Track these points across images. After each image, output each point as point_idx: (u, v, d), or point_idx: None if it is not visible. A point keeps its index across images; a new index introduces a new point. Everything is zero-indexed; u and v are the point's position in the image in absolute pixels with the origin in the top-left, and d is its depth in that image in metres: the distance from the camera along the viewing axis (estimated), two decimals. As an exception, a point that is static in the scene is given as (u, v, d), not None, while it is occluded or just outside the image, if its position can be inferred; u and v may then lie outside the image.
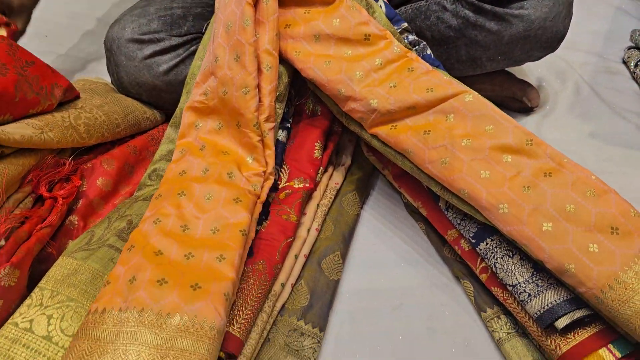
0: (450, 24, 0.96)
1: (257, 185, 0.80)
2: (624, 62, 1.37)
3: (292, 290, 0.79)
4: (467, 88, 0.80)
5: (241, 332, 0.67)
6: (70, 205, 0.81)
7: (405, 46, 0.88)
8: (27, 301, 0.66)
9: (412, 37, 0.90)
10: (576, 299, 0.66)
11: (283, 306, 0.77)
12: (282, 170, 0.89)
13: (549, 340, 0.67)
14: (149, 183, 0.89)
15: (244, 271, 0.73)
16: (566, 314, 0.65)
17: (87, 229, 0.81)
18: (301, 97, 0.96)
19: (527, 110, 1.18)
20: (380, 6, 0.90)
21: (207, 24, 0.98)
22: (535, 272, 0.70)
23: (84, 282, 0.70)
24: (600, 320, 0.66)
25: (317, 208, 0.89)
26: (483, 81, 1.12)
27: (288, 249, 0.80)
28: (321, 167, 0.92)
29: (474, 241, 0.77)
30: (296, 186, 0.87)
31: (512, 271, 0.71)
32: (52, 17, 1.35)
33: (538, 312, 0.67)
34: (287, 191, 0.86)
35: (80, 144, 0.85)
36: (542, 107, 1.21)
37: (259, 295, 0.71)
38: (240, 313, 0.68)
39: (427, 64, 0.84)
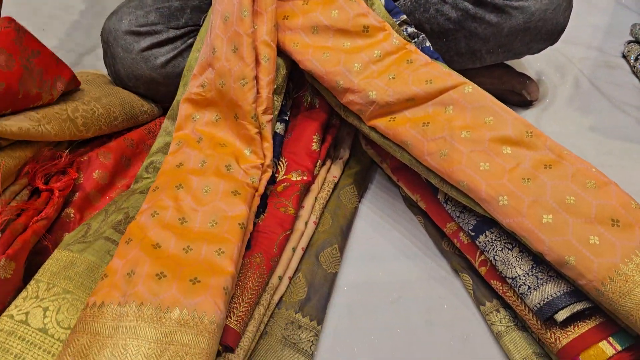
0: (449, 16, 0.95)
1: (255, 177, 0.80)
2: (624, 56, 1.36)
3: (290, 283, 0.79)
4: (467, 80, 0.79)
5: (238, 324, 0.66)
6: (67, 197, 0.81)
7: (404, 38, 0.87)
8: (23, 294, 0.66)
9: (411, 30, 0.89)
10: (576, 292, 0.66)
11: (281, 299, 0.77)
12: (280, 163, 0.89)
13: (549, 333, 0.67)
14: (145, 176, 0.88)
15: (241, 264, 0.72)
16: (566, 306, 0.65)
17: (84, 221, 0.80)
18: (299, 89, 0.96)
19: (526, 104, 1.18)
20: (379, -2, 0.90)
21: (205, 17, 0.97)
22: (535, 265, 0.70)
23: (80, 275, 0.69)
24: (601, 313, 0.66)
25: (315, 201, 0.89)
26: (482, 74, 1.12)
27: (286, 241, 0.79)
28: (319, 160, 0.91)
29: (473, 234, 0.77)
30: (294, 179, 0.86)
31: (511, 264, 0.71)
32: (49, 10, 1.35)
33: (538, 305, 0.67)
34: (284, 184, 0.86)
35: (77, 137, 0.85)
36: (542, 101, 1.21)
37: (257, 288, 0.71)
38: (238, 306, 0.68)
39: (426, 56, 0.84)
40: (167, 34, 0.95)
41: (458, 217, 0.79)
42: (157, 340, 0.59)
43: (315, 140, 0.91)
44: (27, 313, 0.64)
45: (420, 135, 0.77)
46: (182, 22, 0.98)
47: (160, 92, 0.99)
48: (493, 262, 0.73)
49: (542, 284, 0.67)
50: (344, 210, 0.90)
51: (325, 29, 0.85)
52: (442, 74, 0.80)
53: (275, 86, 0.85)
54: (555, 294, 0.66)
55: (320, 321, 0.76)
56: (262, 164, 0.82)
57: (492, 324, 0.76)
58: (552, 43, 0.98)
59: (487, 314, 0.77)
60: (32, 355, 0.61)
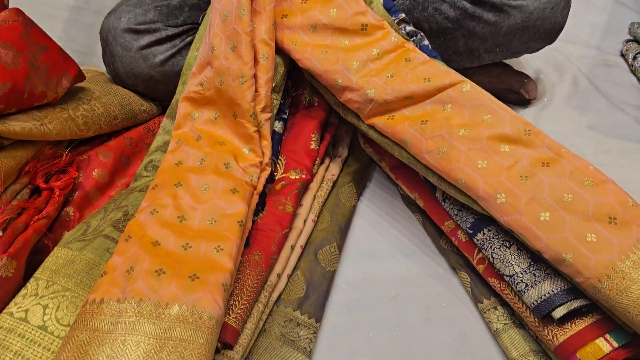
0: (448, 15, 0.95)
1: (253, 176, 0.80)
2: (622, 55, 1.37)
3: (288, 280, 0.79)
4: (465, 78, 0.79)
5: (237, 322, 0.67)
6: (67, 196, 0.81)
7: (403, 37, 0.88)
8: (23, 291, 0.66)
9: (409, 28, 0.89)
10: (573, 289, 0.66)
11: (279, 297, 0.77)
12: (279, 161, 0.89)
13: (546, 331, 0.67)
14: (145, 174, 0.88)
15: (240, 261, 0.72)
16: (563, 303, 0.65)
17: (83, 220, 0.80)
18: (298, 88, 0.96)
19: (524, 103, 1.18)
20: (378, -3, 0.90)
21: (204, 15, 0.97)
22: (532, 263, 0.70)
23: (79, 272, 0.69)
24: (598, 310, 0.66)
25: (314, 199, 0.89)
26: (481, 73, 1.12)
27: (284, 239, 0.80)
28: (318, 159, 0.92)
29: (471, 232, 0.77)
30: (292, 177, 0.87)
31: (509, 261, 0.71)
32: (48, 10, 1.35)
33: (535, 302, 0.67)
34: (283, 182, 0.86)
35: (78, 136, 0.85)
36: (540, 100, 1.21)
37: (255, 285, 0.71)
38: (237, 303, 0.68)
39: (425, 55, 0.84)
40: (165, 32, 0.96)
41: (456, 215, 0.79)
42: (156, 336, 0.59)
43: (313, 139, 0.91)
44: (26, 310, 0.64)
45: (418, 134, 0.77)
46: (181, 20, 0.98)
47: (159, 90, 0.99)
48: (491, 259, 0.74)
49: (540, 282, 0.68)
50: (342, 209, 0.91)
51: (323, 27, 0.85)
52: (441, 72, 0.80)
53: (273, 84, 0.85)
54: (553, 291, 0.66)
55: (319, 319, 0.76)
56: (261, 162, 0.82)
57: (489, 322, 0.76)
58: (550, 42, 0.99)
59: (485, 312, 0.77)
60: (31, 353, 0.61)
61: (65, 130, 0.81)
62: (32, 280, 0.67)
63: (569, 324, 0.66)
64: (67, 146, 0.86)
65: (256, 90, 0.82)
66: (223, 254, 0.68)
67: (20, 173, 0.78)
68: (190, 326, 0.60)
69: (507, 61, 1.19)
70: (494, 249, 0.73)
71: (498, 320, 0.75)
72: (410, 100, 0.79)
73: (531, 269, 0.69)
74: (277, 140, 0.89)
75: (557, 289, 0.66)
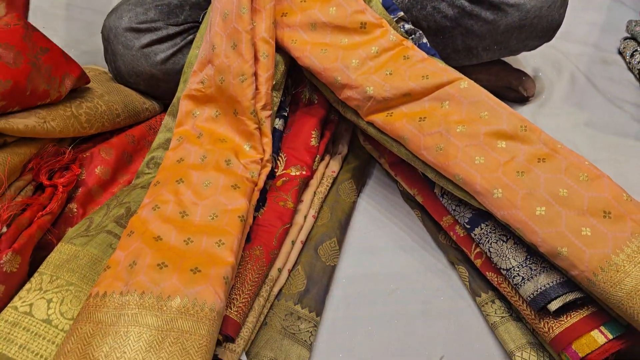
0: (446, 13, 0.96)
1: (254, 172, 0.81)
2: (620, 53, 1.37)
3: (289, 275, 0.80)
4: (462, 75, 0.80)
5: (239, 315, 0.68)
6: (70, 193, 0.82)
7: (402, 35, 0.88)
8: (27, 286, 0.67)
9: (408, 26, 0.90)
10: (569, 282, 0.67)
11: (280, 291, 0.78)
12: (279, 158, 0.90)
13: (542, 323, 0.68)
14: (146, 171, 0.89)
15: (241, 256, 0.73)
16: (559, 296, 0.66)
17: (86, 216, 0.81)
18: (298, 85, 0.97)
19: (523, 100, 1.19)
20: (377, -5, 0.91)
21: (204, 13, 0.98)
22: (528, 256, 0.71)
23: (82, 267, 0.70)
24: (593, 303, 0.67)
25: (314, 195, 0.90)
26: (479, 71, 1.13)
27: (285, 235, 0.81)
28: (318, 155, 0.92)
29: (468, 227, 0.78)
30: (293, 174, 0.88)
31: (506, 255, 0.72)
32: (49, 8, 1.35)
33: (531, 295, 0.68)
34: (284, 178, 0.87)
35: (81, 134, 0.86)
36: (538, 97, 1.22)
37: (257, 279, 0.72)
38: (238, 297, 0.69)
39: (423, 52, 0.85)
40: (166, 30, 0.96)
41: (454, 210, 0.80)
42: (158, 328, 0.60)
43: (314, 136, 0.92)
44: (31, 304, 0.65)
45: (416, 130, 0.78)
46: (182, 19, 0.99)
47: (160, 88, 1.00)
48: (488, 254, 0.75)
49: (536, 275, 0.69)
50: (342, 205, 0.91)
51: (323, 25, 0.86)
52: (439, 70, 0.81)
53: (274, 82, 0.86)
54: (548, 284, 0.67)
55: (319, 312, 0.77)
56: (262, 159, 0.83)
57: (487, 315, 0.77)
58: (548, 40, 0.99)
59: (483, 305, 0.78)
60: (36, 346, 0.62)
61: (68, 127, 0.82)
62: (36, 275, 0.68)
63: (565, 316, 0.67)
64: (70, 143, 0.87)
65: (256, 88, 0.83)
66: (224, 248, 0.69)
67: (24, 170, 0.79)
68: (191, 318, 0.61)
69: (505, 59, 1.20)
70: (491, 244, 0.74)
71: (495, 313, 0.76)
72: (409, 97, 0.80)
73: (527, 262, 0.70)
74: (278, 137, 0.90)
75: (552, 282, 0.67)
